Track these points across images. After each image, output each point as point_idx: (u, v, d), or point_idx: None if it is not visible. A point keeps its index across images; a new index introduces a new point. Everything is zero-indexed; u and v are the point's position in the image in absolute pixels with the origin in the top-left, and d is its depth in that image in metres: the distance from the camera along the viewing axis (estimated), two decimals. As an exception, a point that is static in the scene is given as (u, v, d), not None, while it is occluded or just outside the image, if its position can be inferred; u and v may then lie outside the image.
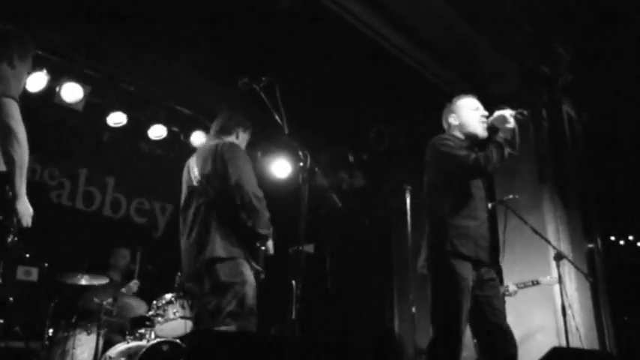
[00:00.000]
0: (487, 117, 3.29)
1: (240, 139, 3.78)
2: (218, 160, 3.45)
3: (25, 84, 2.92)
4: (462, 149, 3.19)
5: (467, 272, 3.01)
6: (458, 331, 2.92)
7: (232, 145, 3.57)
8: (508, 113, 3.15)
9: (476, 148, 3.24)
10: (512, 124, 3.15)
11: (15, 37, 2.79)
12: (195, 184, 3.55)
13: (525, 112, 3.15)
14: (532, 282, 5.15)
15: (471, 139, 3.31)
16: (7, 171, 2.41)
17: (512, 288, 5.11)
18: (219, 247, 3.26)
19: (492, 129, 3.22)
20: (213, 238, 3.28)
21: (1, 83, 2.47)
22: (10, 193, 2.40)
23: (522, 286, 5.14)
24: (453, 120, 3.39)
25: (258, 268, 3.45)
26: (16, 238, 2.48)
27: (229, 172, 3.37)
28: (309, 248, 4.31)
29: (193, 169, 3.61)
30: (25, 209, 2.48)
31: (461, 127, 3.35)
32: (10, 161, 2.40)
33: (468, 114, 3.34)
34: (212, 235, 3.30)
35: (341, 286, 7.76)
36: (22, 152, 2.42)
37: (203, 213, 3.40)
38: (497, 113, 3.21)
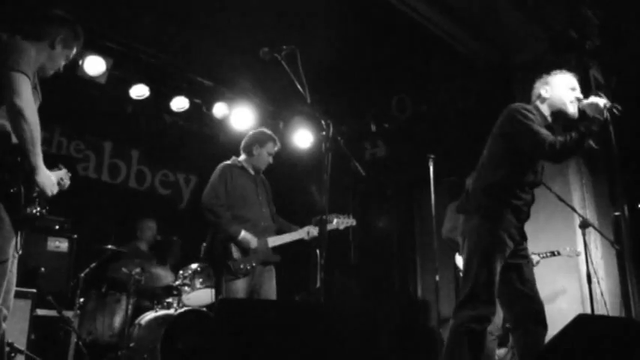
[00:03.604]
0: (581, 100, 3.06)
1: (256, 154, 4.32)
2: None
3: (60, 65, 2.82)
4: (542, 127, 3.00)
5: (507, 239, 2.98)
6: (490, 292, 2.90)
7: (217, 168, 4.22)
8: (603, 103, 2.89)
9: (553, 129, 3.07)
10: (604, 115, 2.87)
11: (63, 22, 2.80)
12: None
13: (620, 108, 2.89)
14: (553, 252, 5.17)
15: (556, 117, 3.14)
16: (19, 143, 2.39)
17: (534, 258, 5.10)
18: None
19: (581, 115, 3.00)
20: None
21: (13, 56, 2.41)
22: (26, 165, 2.40)
23: (544, 255, 5.16)
24: (544, 92, 3.16)
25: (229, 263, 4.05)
26: (42, 210, 2.51)
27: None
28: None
29: None
30: (46, 179, 2.48)
31: (551, 101, 3.14)
32: (19, 139, 2.38)
33: (563, 91, 3.13)
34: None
35: (364, 255, 7.80)
36: (31, 129, 2.37)
37: None
38: (592, 99, 2.94)
